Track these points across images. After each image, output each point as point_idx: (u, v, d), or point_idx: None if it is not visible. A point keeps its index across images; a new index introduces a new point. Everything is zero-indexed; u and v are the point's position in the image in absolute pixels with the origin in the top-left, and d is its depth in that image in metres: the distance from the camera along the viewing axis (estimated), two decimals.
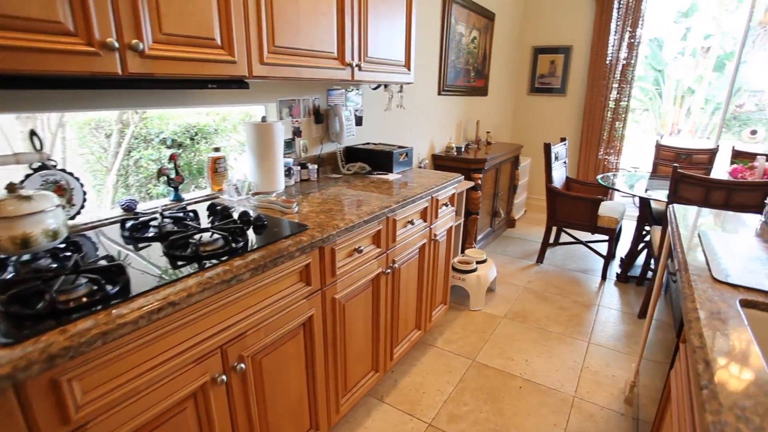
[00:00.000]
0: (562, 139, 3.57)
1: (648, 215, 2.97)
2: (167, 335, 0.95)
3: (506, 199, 4.08)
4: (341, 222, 1.43)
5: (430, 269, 2.19)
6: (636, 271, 3.20)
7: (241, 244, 1.18)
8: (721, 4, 7.37)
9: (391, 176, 2.18)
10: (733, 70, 4.03)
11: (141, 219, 1.32)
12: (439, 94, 3.28)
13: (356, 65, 1.80)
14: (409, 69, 2.22)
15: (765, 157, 2.61)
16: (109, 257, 1.04)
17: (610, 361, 2.28)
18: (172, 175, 1.49)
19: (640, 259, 3.29)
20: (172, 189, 1.51)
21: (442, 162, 3.32)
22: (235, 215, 1.39)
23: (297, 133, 2.04)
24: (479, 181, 3.18)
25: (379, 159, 2.27)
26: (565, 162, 3.58)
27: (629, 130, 4.47)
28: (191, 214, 1.39)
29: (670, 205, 1.80)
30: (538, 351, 2.34)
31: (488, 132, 4.06)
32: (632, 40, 4.07)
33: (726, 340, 0.84)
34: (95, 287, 0.89)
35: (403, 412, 1.90)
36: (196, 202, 1.60)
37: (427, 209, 2.02)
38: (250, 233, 1.28)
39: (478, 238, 3.54)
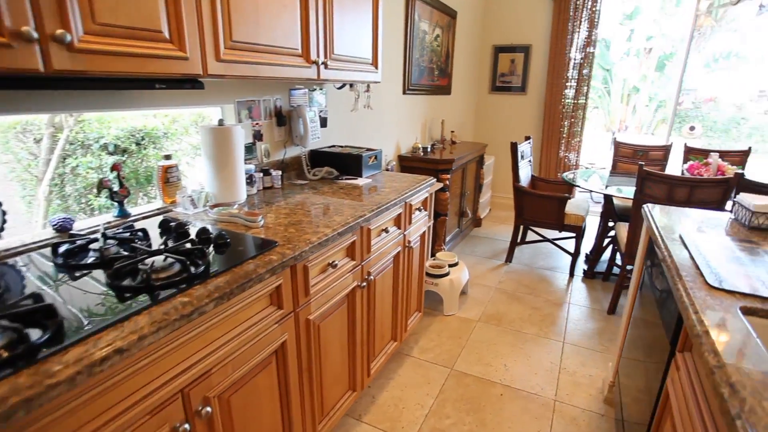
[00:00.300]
0: (527, 138, 3.59)
1: (612, 212, 3.04)
2: (114, 388, 0.78)
3: (472, 199, 4.07)
4: (313, 236, 1.30)
5: (405, 278, 2.10)
6: (602, 266, 3.27)
7: (202, 268, 1.03)
8: (662, 8, 7.82)
9: (360, 181, 2.06)
10: (681, 70, 4.22)
11: (78, 242, 1.12)
12: (404, 93, 3.19)
13: (322, 63, 1.66)
14: (376, 67, 2.11)
15: (718, 154, 2.72)
16: (36, 296, 0.85)
17: (585, 360, 2.28)
18: (116, 188, 1.30)
19: (605, 255, 3.37)
20: (116, 203, 1.32)
21: (408, 163, 3.24)
22: (193, 232, 1.22)
23: (258, 136, 1.88)
24: (447, 182, 3.13)
25: (347, 163, 2.15)
26: (530, 161, 3.61)
27: (576, 126, 4.60)
28: (140, 233, 1.21)
29: (645, 206, 1.80)
30: (516, 354, 2.31)
31: (453, 131, 4.03)
32: (588, 40, 4.18)
33: (742, 356, 0.80)
34: (16, 337, 0.72)
35: (383, 431, 1.79)
36: (145, 218, 1.41)
37: (401, 215, 1.92)
38: (211, 254, 1.12)
39: (447, 239, 3.50)
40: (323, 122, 2.33)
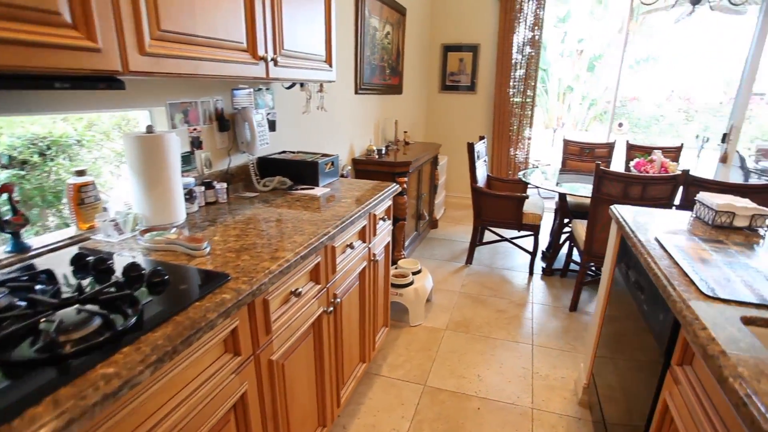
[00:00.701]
0: (481, 138, 3.56)
1: (567, 209, 3.07)
2: None
3: (428, 200, 3.99)
4: (272, 262, 1.10)
5: (372, 294, 1.93)
6: (558, 263, 3.31)
7: (132, 320, 0.79)
8: (591, 13, 8.29)
9: (318, 191, 1.87)
10: (617, 71, 4.40)
11: None
12: (357, 92, 3.02)
13: (272, 59, 1.45)
14: (330, 65, 1.92)
15: (661, 151, 2.83)
16: None
17: (555, 362, 2.25)
18: (8, 216, 1.01)
19: (561, 250, 3.41)
20: (9, 235, 1.03)
21: (364, 166, 3.07)
22: (119, 269, 0.97)
23: (196, 144, 1.62)
24: (405, 185, 3.00)
25: (301, 171, 1.94)
26: (485, 160, 3.58)
27: (525, 125, 4.68)
28: (43, 275, 0.94)
29: (613, 207, 1.77)
30: (488, 363, 2.23)
31: (405, 132, 3.92)
32: (533, 41, 4.25)
33: (762, 376, 0.72)
34: None
35: None
36: (52, 250, 1.12)
37: (365, 228, 1.75)
38: (145, 298, 0.89)
39: (406, 244, 3.38)
40: (272, 126, 2.10)
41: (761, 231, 1.51)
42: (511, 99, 4.44)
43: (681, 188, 2.39)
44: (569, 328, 2.56)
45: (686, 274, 1.15)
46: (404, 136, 3.88)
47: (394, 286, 2.52)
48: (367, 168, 3.07)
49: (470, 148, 3.13)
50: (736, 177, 4.52)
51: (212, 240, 1.24)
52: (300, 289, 1.25)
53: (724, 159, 3.85)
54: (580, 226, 2.78)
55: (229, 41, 1.25)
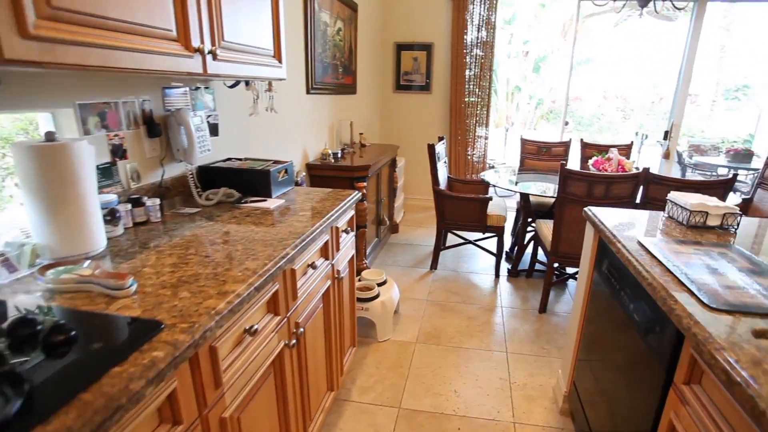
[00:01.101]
0: (440, 138, 3.46)
1: (530, 209, 3.04)
2: None
3: (388, 204, 3.84)
4: (220, 299, 0.89)
5: (337, 315, 1.74)
6: (524, 263, 3.27)
7: (17, 405, 0.56)
8: (535, 16, 8.54)
9: (271, 203, 1.65)
10: (568, 72, 4.48)
11: None
12: (309, 92, 2.81)
13: (209, 52, 1.22)
14: (280, 61, 1.71)
15: (617, 149, 2.85)
16: None
17: (531, 369, 2.17)
18: None
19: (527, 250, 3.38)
20: None
21: (319, 172, 2.86)
22: (4, 324, 0.72)
23: (119, 153, 1.35)
24: (364, 190, 2.83)
25: (251, 180, 1.71)
26: (445, 161, 3.49)
27: (481, 125, 4.67)
28: None
29: (588, 209, 1.70)
30: (463, 377, 2.10)
31: (361, 133, 3.75)
32: (486, 40, 4.22)
33: None
34: None
35: None
36: None
37: (328, 243, 1.56)
38: (39, 366, 0.65)
39: (368, 252, 3.20)
40: (213, 130, 1.85)
41: (731, 230, 1.48)
42: (466, 98, 4.40)
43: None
44: (541, 331, 2.50)
45: (681, 283, 1.07)
46: (360, 138, 3.71)
47: (359, 300, 2.33)
48: (323, 174, 2.86)
49: (431, 149, 3.02)
50: (675, 172, 4.75)
51: (141, 273, 1.00)
52: (256, 326, 1.04)
53: (666, 155, 4.02)
54: (545, 227, 2.74)
55: (153, 28, 1.02)
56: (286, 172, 1.83)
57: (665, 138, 4.03)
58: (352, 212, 1.87)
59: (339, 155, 3.09)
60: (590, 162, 2.91)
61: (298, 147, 2.74)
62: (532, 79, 9.17)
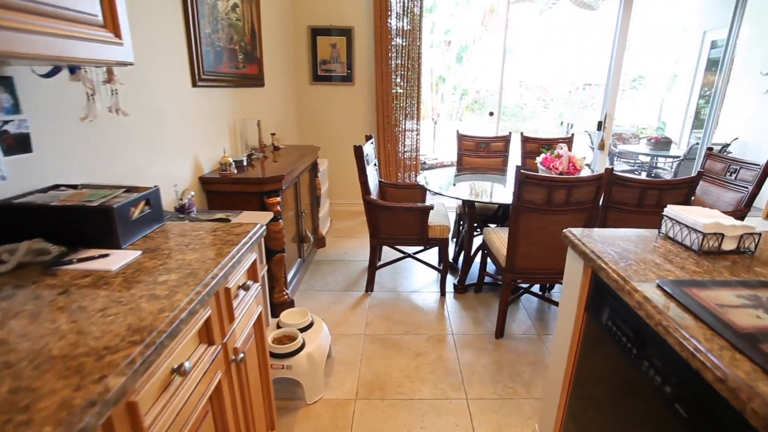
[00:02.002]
0: (368, 138, 2.96)
1: (476, 216, 2.66)
2: None
3: (311, 216, 3.28)
4: None
5: (239, 410, 1.18)
6: (471, 275, 2.90)
7: None
8: (456, 5, 8.35)
9: (115, 260, 1.03)
10: (501, 61, 4.21)
11: None
12: (196, 84, 2.15)
13: None
14: (118, 36, 1.09)
15: (566, 145, 2.57)
16: None
17: (499, 417, 1.78)
18: None
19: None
20: None
21: (218, 186, 2.23)
22: None
23: None
24: (279, 207, 2.25)
25: (80, 224, 1.08)
26: (375, 164, 3.00)
27: (411, 118, 4.26)
28: None
29: (569, 231, 1.30)
30: None
31: (274, 134, 3.13)
32: (412, 24, 3.79)
33: None
34: None
35: None
36: None
37: (210, 320, 0.99)
38: None
39: (289, 279, 2.64)
40: (21, 143, 1.17)
41: (748, 253, 1.17)
42: (394, 90, 3.95)
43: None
44: (501, 362, 2.13)
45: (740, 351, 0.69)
46: (273, 140, 3.10)
47: (277, 357, 1.78)
48: (223, 188, 2.23)
49: (359, 152, 2.51)
50: (607, 162, 4.71)
51: None
52: None
53: (601, 146, 3.91)
54: (495, 237, 2.38)
55: None
56: (147, 203, 1.22)
57: (599, 128, 3.93)
58: (255, 255, 1.30)
59: (245, 163, 2.47)
60: (538, 160, 2.60)
61: (184, 157, 2.08)
62: (455, 70, 9.02)
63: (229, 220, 1.93)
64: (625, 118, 9.32)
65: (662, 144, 5.05)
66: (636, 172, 5.28)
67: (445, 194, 2.53)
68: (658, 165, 5.20)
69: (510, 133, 3.42)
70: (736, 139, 5.00)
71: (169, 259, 1.04)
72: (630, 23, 3.75)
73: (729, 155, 2.70)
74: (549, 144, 3.37)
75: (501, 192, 2.77)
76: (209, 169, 2.32)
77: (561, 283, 2.29)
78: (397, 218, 2.57)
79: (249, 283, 1.23)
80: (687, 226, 1.19)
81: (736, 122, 4.97)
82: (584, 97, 9.88)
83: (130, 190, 1.22)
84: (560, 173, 2.48)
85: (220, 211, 2.07)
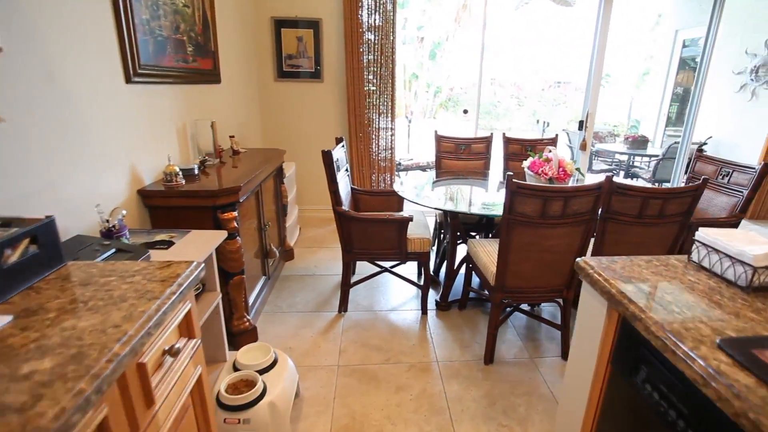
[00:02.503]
0: (339, 140, 2.67)
1: (459, 227, 2.42)
2: None
3: (277, 227, 2.96)
4: None
5: None
6: (455, 290, 2.67)
7: None
8: (428, 0, 8.13)
9: None
10: (479, 59, 3.99)
11: None
12: (131, 80, 1.80)
13: None
14: None
15: (554, 147, 2.36)
16: None
17: None
18: None
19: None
20: None
21: (162, 201, 1.89)
22: None
23: None
24: (235, 223, 1.94)
25: None
26: (347, 169, 2.72)
27: (386, 116, 3.99)
28: None
29: (582, 262, 1.07)
30: None
31: (233, 136, 2.80)
32: (385, 17, 3.51)
33: None
34: None
35: None
36: None
37: (106, 425, 0.69)
38: None
39: (251, 301, 2.33)
40: None
41: None
42: (366, 87, 3.67)
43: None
44: (493, 394, 1.90)
45: None
46: (232, 143, 2.76)
47: (231, 409, 1.48)
48: (169, 203, 1.90)
49: (327, 158, 2.22)
50: (587, 163, 4.58)
51: None
52: None
53: (583, 146, 3.76)
54: (481, 250, 2.14)
55: None
56: (34, 241, 0.90)
57: (580, 128, 3.77)
58: (186, 306, 1.00)
59: (196, 171, 2.14)
60: (525, 164, 2.38)
61: (116, 168, 1.74)
62: (429, 67, 8.81)
63: (172, 243, 1.61)
64: (598, 116, 9.37)
65: (639, 143, 4.99)
66: (614, 172, 5.21)
67: (425, 204, 2.28)
68: (635, 164, 5.14)
69: (492, 133, 3.21)
70: (710, 138, 4.99)
71: (51, 328, 0.73)
72: (611, 20, 3.61)
73: (719, 157, 2.56)
74: (532, 145, 3.18)
75: (485, 198, 2.54)
76: (151, 180, 1.98)
77: (555, 302, 2.08)
78: (372, 231, 2.30)
79: (179, 345, 0.93)
80: (729, 257, 0.97)
81: (710, 121, 4.96)
82: (557, 95, 9.88)
83: (7, 224, 0.90)
84: (549, 179, 2.27)
85: (164, 230, 1.74)
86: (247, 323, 2.17)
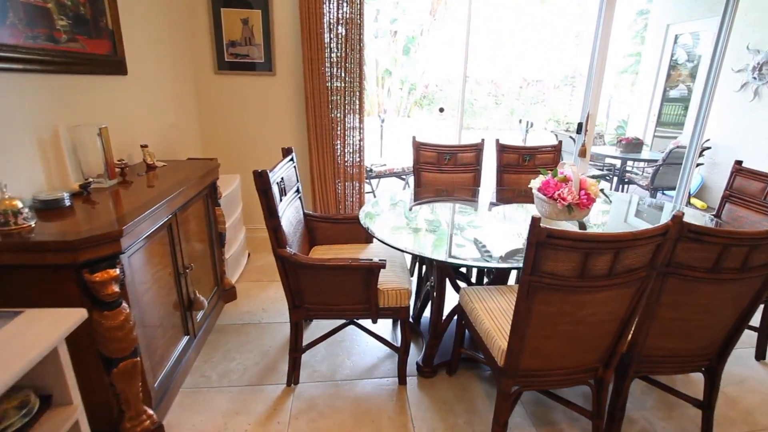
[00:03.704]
0: (287, 152, 2.01)
1: (449, 273, 1.81)
2: None
3: (211, 263, 2.28)
4: None
5: None
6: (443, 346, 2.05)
7: None
8: None
9: None
10: (464, 56, 3.42)
11: None
12: None
13: None
14: None
15: (568, 163, 1.78)
16: None
17: None
18: None
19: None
20: None
21: None
22: None
23: None
24: (114, 287, 1.26)
25: None
26: (298, 190, 2.06)
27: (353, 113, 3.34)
28: None
29: None
30: None
31: (145, 147, 2.09)
32: (353, 6, 2.86)
33: None
34: None
35: None
36: None
37: None
38: None
39: (161, 379, 1.65)
40: None
41: None
42: (329, 83, 3.02)
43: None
44: None
45: None
46: (145, 156, 2.06)
47: None
48: (1, 261, 1.20)
49: (264, 181, 1.56)
50: (584, 166, 4.07)
51: None
52: None
53: (582, 153, 3.23)
54: (484, 311, 1.54)
55: None
56: None
57: (579, 131, 3.24)
58: None
59: (67, 203, 1.45)
60: (534, 185, 1.79)
61: None
62: (402, 62, 8.20)
63: None
64: (575, 115, 9.03)
65: (633, 146, 4.54)
66: (607, 178, 4.76)
67: (402, 249, 1.65)
68: (628, 170, 4.71)
69: (483, 140, 2.61)
70: (708, 140, 4.60)
71: None
72: (615, 10, 3.08)
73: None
74: (531, 153, 2.61)
75: (482, 232, 1.94)
76: None
77: (586, 384, 1.51)
78: (330, 282, 1.66)
79: None
80: None
81: (707, 123, 4.57)
82: (535, 93, 9.48)
83: None
84: (568, 207, 1.69)
85: None
86: (148, 422, 1.49)
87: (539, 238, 1.10)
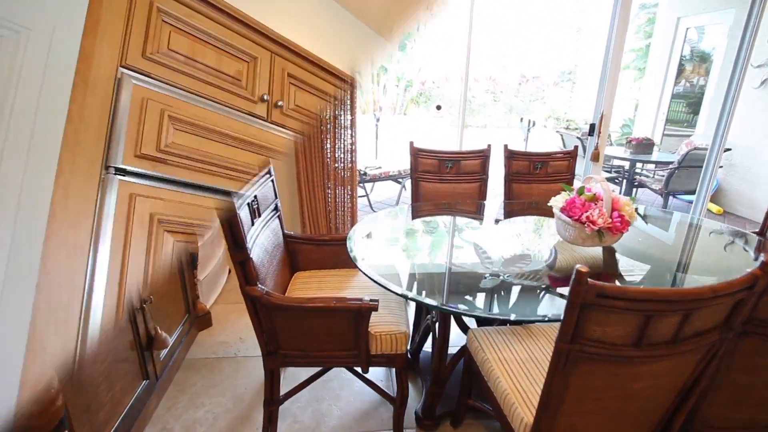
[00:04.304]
0: (266, 175, 1.70)
1: (457, 316, 1.52)
2: None
3: (180, 287, 1.98)
4: None
5: None
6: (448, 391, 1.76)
7: None
8: None
9: None
10: (467, 52, 3.11)
11: None
12: None
13: None
14: None
15: (597, 177, 1.49)
16: None
17: None
18: None
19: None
20: None
21: None
22: None
23: None
24: None
25: None
26: (276, 207, 1.75)
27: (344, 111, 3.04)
28: None
29: None
30: None
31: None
32: None
33: None
34: None
35: None
36: None
37: None
38: None
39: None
40: None
41: None
42: None
43: None
44: None
45: None
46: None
47: None
48: None
49: (227, 213, 1.25)
50: (589, 170, 3.79)
51: None
52: None
53: (595, 157, 2.94)
54: (498, 363, 1.25)
55: None
56: None
57: (591, 133, 2.96)
58: None
59: None
60: (556, 205, 1.50)
61: None
62: (398, 58, 7.87)
63: None
64: (575, 112, 8.74)
65: (644, 147, 4.26)
66: (616, 181, 4.48)
67: (398, 293, 1.35)
68: (638, 172, 4.44)
69: (489, 145, 2.30)
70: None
71: None
72: (631, 2, 2.79)
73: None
74: (544, 161, 2.33)
75: (496, 262, 1.65)
76: None
77: None
78: (310, 324, 1.36)
79: None
80: None
81: (731, 124, 4.30)
82: (534, 90, 9.18)
83: None
84: (599, 232, 1.40)
85: None
86: None
87: (586, 298, 0.81)
